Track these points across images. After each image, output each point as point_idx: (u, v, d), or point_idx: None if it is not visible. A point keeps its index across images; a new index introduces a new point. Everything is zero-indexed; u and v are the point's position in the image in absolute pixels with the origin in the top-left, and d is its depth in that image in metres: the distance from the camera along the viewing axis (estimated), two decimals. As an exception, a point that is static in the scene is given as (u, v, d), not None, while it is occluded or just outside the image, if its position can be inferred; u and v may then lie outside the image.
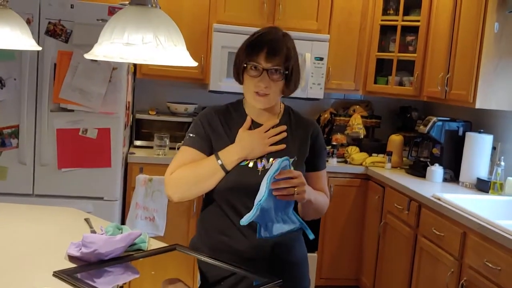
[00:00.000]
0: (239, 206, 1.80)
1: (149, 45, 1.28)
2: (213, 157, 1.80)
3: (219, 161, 1.78)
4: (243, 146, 1.78)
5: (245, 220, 1.65)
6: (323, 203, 1.91)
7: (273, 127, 1.86)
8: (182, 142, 1.91)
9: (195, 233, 1.99)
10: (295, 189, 1.68)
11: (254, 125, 1.87)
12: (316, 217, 1.93)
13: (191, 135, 1.87)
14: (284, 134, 1.84)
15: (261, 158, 1.82)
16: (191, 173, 1.82)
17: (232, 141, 1.83)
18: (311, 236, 1.74)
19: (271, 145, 1.82)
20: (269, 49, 1.76)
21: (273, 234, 1.75)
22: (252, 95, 1.80)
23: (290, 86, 1.83)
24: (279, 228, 1.76)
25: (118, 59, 1.28)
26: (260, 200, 1.63)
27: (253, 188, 1.74)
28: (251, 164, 1.81)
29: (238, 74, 1.84)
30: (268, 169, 1.77)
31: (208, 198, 1.90)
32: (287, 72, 1.78)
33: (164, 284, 1.74)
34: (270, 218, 1.73)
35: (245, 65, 1.78)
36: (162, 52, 1.29)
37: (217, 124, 1.86)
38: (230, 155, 1.78)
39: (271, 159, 1.82)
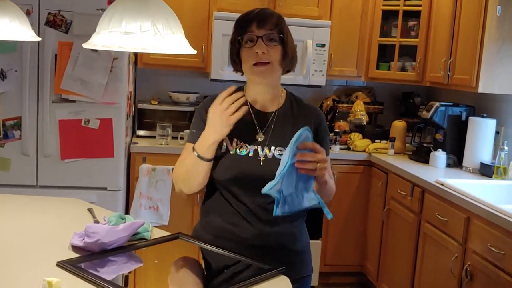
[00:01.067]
0: (241, 196, 1.79)
1: (147, 33, 1.27)
2: (192, 151, 1.77)
3: (195, 153, 1.75)
4: (209, 126, 1.72)
5: (266, 189, 1.59)
6: (333, 188, 1.88)
7: (276, 111, 1.86)
8: (187, 137, 1.91)
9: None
10: (318, 164, 1.62)
11: (255, 112, 1.86)
12: (327, 195, 1.87)
13: (192, 130, 1.88)
14: (243, 100, 1.72)
15: (262, 146, 1.81)
16: (182, 169, 1.82)
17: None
18: (330, 216, 1.65)
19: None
20: (258, 19, 1.77)
21: (293, 209, 1.67)
22: (252, 68, 1.78)
23: (288, 55, 1.81)
24: (298, 204, 1.68)
25: (117, 48, 1.27)
26: (283, 169, 1.58)
27: (255, 177, 1.73)
28: (251, 153, 1.80)
29: (234, 59, 1.83)
30: (270, 159, 1.77)
31: (211, 187, 1.89)
32: (281, 35, 1.78)
33: (176, 262, 1.77)
34: (290, 193, 1.66)
35: (240, 39, 1.77)
36: (161, 40, 1.28)
37: None
38: (203, 142, 1.73)
39: (272, 147, 1.81)
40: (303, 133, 1.61)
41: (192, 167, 1.77)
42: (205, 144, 1.73)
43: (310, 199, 1.69)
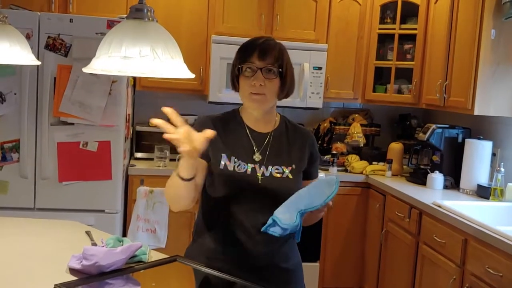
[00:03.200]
0: (237, 214, 1.80)
1: (146, 58, 1.29)
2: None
3: (175, 173, 1.68)
4: None
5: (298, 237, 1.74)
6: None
7: (272, 131, 1.90)
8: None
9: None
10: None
11: (251, 132, 1.89)
12: (310, 223, 1.91)
13: None
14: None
15: (259, 165, 1.83)
16: (169, 188, 1.78)
17: (227, 148, 1.84)
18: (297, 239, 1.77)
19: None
20: (260, 50, 1.80)
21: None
22: (248, 96, 1.82)
23: (285, 87, 1.85)
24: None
25: (116, 72, 1.29)
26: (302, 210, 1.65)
27: (252, 195, 1.75)
28: (249, 171, 1.82)
29: (233, 80, 1.87)
30: (267, 177, 1.81)
31: (205, 206, 1.91)
32: (281, 70, 1.81)
33: None
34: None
35: (240, 67, 1.81)
36: (160, 64, 1.30)
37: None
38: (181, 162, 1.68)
39: (269, 167, 1.84)
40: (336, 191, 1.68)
41: (175, 184, 1.70)
42: (180, 164, 1.67)
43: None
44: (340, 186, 4.19)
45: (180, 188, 1.69)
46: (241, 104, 1.95)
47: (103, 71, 1.31)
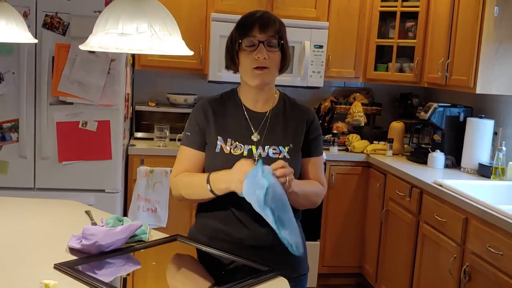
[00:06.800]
0: (236, 196, 1.79)
1: (143, 34, 1.27)
2: (205, 177, 1.76)
3: (208, 186, 1.74)
4: (230, 173, 1.70)
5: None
6: (313, 192, 1.88)
7: (269, 111, 1.88)
8: (181, 140, 1.93)
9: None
10: (287, 177, 1.65)
11: (249, 113, 1.87)
12: (310, 206, 1.90)
13: (187, 133, 1.90)
14: None
15: (256, 146, 1.82)
16: (187, 188, 1.84)
17: (223, 130, 1.83)
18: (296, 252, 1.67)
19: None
20: (261, 23, 1.78)
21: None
22: (251, 72, 1.79)
23: (286, 60, 1.85)
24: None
25: (113, 49, 1.27)
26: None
27: None
28: (245, 153, 1.81)
29: (233, 57, 1.83)
30: (264, 158, 1.79)
31: None
32: (282, 41, 1.80)
33: (174, 258, 1.79)
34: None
35: (240, 42, 1.78)
36: (157, 41, 1.28)
37: (210, 115, 1.86)
38: (218, 182, 1.73)
39: (266, 147, 1.83)
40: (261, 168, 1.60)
41: (201, 193, 1.79)
42: (219, 185, 1.73)
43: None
44: (340, 165, 4.20)
45: (208, 197, 1.77)
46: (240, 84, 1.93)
47: (100, 48, 1.28)
